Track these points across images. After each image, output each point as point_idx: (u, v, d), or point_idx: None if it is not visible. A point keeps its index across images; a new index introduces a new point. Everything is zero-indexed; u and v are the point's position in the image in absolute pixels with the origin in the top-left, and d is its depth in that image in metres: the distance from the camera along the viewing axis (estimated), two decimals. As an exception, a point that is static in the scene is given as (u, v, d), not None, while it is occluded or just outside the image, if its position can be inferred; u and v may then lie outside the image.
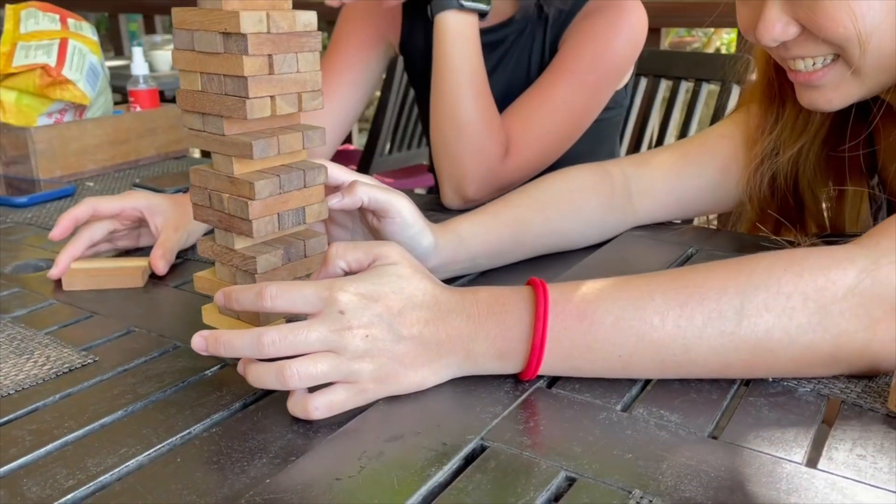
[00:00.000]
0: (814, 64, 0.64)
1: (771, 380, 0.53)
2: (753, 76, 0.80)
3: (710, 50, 4.72)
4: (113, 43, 4.56)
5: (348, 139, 3.41)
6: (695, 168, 0.81)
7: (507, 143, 0.95)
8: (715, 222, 1.02)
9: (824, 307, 0.48)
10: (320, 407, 0.48)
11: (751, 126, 0.78)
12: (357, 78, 1.08)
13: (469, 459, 0.45)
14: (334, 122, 1.09)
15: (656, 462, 0.44)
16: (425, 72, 1.14)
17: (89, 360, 0.57)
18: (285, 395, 0.50)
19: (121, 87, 1.98)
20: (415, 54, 1.13)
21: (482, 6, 0.94)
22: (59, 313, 0.67)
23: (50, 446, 0.47)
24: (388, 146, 2.50)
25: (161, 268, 0.73)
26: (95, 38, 1.17)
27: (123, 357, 0.58)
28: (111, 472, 0.44)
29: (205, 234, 0.81)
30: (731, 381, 0.52)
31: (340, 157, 2.92)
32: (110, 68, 2.73)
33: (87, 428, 0.49)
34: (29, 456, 0.45)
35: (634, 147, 1.50)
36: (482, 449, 0.46)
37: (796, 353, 0.49)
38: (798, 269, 0.49)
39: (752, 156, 0.78)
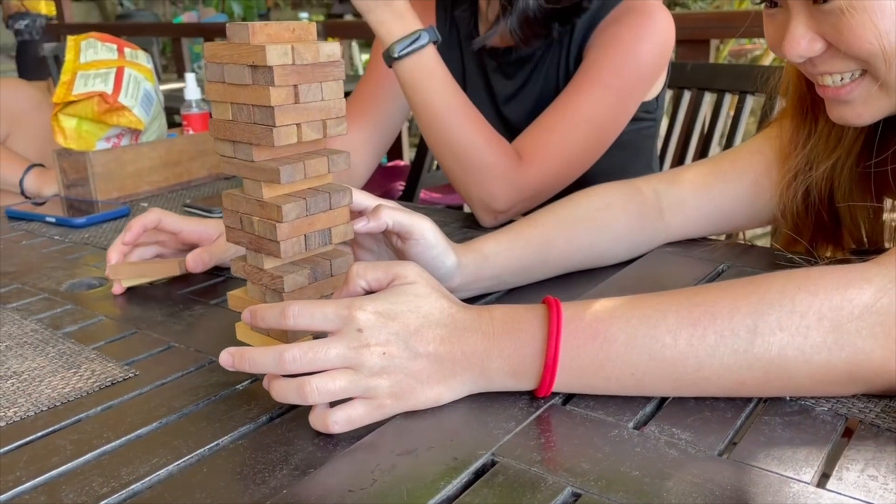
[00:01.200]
0: (841, 79, 0.64)
1: (788, 398, 0.53)
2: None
3: (769, 59, 4.63)
4: (176, 65, 4.74)
5: (399, 155, 3.46)
6: (727, 184, 0.81)
7: (525, 151, 0.95)
8: (752, 235, 1.01)
9: (840, 325, 0.48)
10: (339, 421, 0.50)
11: (783, 141, 0.78)
12: (390, 94, 1.10)
13: (479, 474, 0.46)
14: (371, 138, 1.11)
15: (662, 480, 0.44)
16: (463, 80, 1.16)
17: (130, 375, 0.61)
18: (309, 409, 0.52)
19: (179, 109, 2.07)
20: (450, 65, 1.14)
21: (423, 42, 0.91)
22: (107, 329, 0.71)
23: (88, 455, 0.50)
24: (435, 162, 2.53)
25: (192, 263, 0.77)
26: (150, 65, 1.23)
27: (162, 371, 0.62)
28: (142, 481, 0.47)
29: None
30: (748, 400, 0.53)
31: (391, 173, 2.97)
32: (173, 90, 2.84)
33: (123, 439, 0.52)
34: (69, 464, 0.49)
35: (678, 161, 1.49)
36: (492, 464, 0.47)
37: (812, 371, 0.49)
38: (813, 287, 0.49)
39: (784, 171, 0.77)
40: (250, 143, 0.57)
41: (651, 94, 1.11)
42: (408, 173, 2.62)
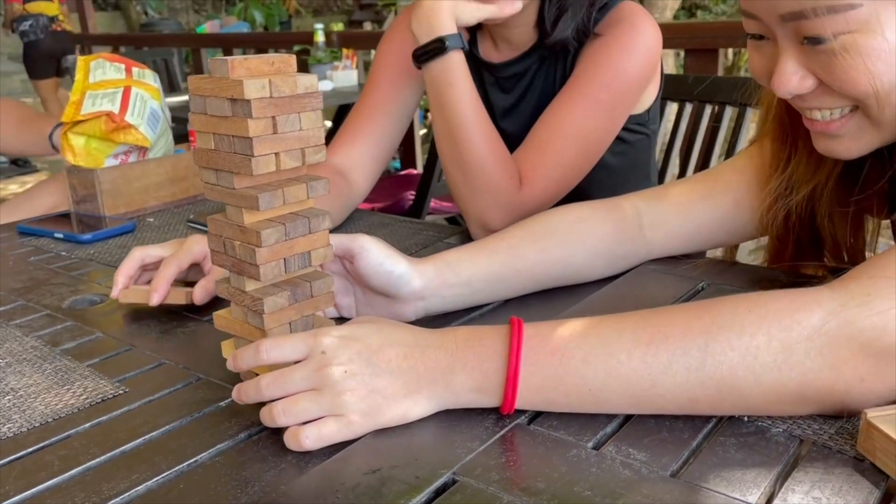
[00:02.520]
0: (831, 114, 0.63)
1: (746, 419, 0.54)
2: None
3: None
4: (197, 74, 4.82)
5: (412, 163, 3.49)
6: (708, 203, 0.82)
7: (523, 173, 0.98)
8: (744, 247, 1.02)
9: (789, 347, 0.50)
10: (311, 437, 0.53)
11: (764, 161, 0.79)
12: (390, 112, 1.13)
13: (438, 493, 0.48)
14: (372, 153, 1.13)
15: (613, 499, 0.46)
16: None
17: (120, 392, 0.64)
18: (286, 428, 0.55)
19: (185, 118, 2.12)
20: None
21: (448, 47, 0.95)
22: (103, 346, 0.74)
23: (74, 471, 0.53)
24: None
25: (199, 297, 0.80)
26: (157, 84, 1.27)
27: (151, 388, 0.64)
28: (122, 496, 0.50)
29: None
30: (706, 420, 0.54)
31: (403, 182, 3.00)
32: (186, 101, 2.88)
33: (108, 455, 0.55)
34: (55, 479, 0.52)
35: (681, 173, 1.50)
36: (452, 482, 0.49)
37: (762, 390, 0.51)
38: (763, 310, 0.51)
39: (765, 194, 0.78)
40: (231, 172, 0.59)
41: (642, 107, 1.12)
42: (418, 184, 2.65)
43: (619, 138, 1.10)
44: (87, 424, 0.59)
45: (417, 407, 0.55)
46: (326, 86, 3.20)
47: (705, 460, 0.50)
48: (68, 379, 0.66)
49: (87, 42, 5.32)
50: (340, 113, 3.37)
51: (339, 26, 4.19)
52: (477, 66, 1.13)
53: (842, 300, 0.50)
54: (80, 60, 1.24)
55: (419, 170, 3.28)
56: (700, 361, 0.51)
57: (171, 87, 3.92)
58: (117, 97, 1.19)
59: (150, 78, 1.27)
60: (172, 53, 4.28)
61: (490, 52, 1.13)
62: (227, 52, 4.35)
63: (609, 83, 1.00)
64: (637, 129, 1.13)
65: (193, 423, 0.59)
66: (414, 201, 2.61)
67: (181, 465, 0.53)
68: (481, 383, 0.54)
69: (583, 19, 1.02)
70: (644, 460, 0.50)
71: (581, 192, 1.04)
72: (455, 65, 0.97)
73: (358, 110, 1.14)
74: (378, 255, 0.69)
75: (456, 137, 0.97)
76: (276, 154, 0.59)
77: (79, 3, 5.73)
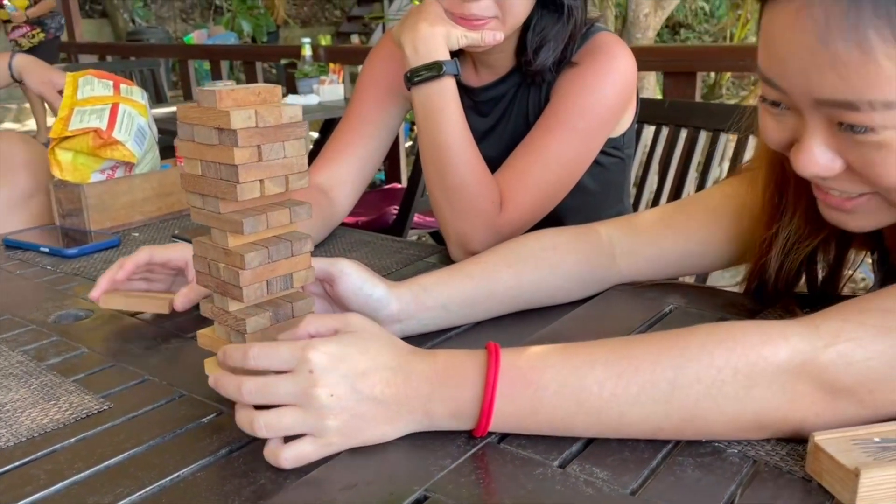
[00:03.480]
0: (850, 194, 0.60)
1: (704, 440, 0.57)
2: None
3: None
4: (183, 85, 4.83)
5: (397, 177, 3.52)
6: (678, 236, 0.85)
7: (504, 197, 1.01)
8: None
9: (753, 380, 0.53)
10: (289, 458, 0.55)
11: (746, 202, 0.78)
12: (374, 130, 1.15)
13: (410, 508, 0.51)
14: (354, 172, 1.16)
15: (574, 516, 0.49)
16: None
17: (105, 407, 0.66)
18: (265, 442, 0.57)
19: (173, 130, 2.13)
20: None
21: (442, 73, 0.99)
22: (88, 361, 0.76)
23: (59, 485, 0.55)
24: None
25: (180, 304, 0.82)
26: (145, 101, 1.29)
27: (135, 404, 0.66)
28: (106, 510, 0.52)
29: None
30: (666, 441, 0.57)
31: (386, 196, 3.03)
32: (174, 112, 2.90)
33: (93, 469, 0.57)
34: (41, 493, 0.54)
35: (655, 196, 1.54)
36: (424, 499, 0.51)
37: (725, 420, 0.54)
38: (731, 343, 0.54)
39: (759, 250, 0.76)
40: (217, 197, 0.62)
41: (618, 132, 1.16)
42: (402, 198, 2.68)
43: (595, 161, 1.13)
44: (73, 439, 0.61)
45: (395, 431, 0.57)
46: (313, 100, 3.23)
47: (663, 479, 0.53)
48: (54, 394, 0.68)
49: (74, 50, 5.32)
50: (327, 126, 3.40)
51: (326, 38, 4.22)
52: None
53: (810, 339, 0.53)
54: (69, 77, 1.26)
55: (403, 184, 3.31)
56: (668, 394, 0.53)
57: (157, 97, 3.92)
58: (105, 114, 1.21)
59: (138, 95, 1.29)
60: (159, 63, 4.29)
61: (469, 76, 1.17)
62: (215, 64, 4.37)
63: (585, 111, 1.04)
64: (612, 153, 1.17)
65: (176, 439, 0.61)
66: (397, 216, 2.64)
67: (163, 480, 0.55)
68: (457, 410, 0.57)
69: (563, 50, 1.06)
70: (606, 479, 0.53)
71: (557, 213, 1.08)
72: (447, 89, 1.00)
73: (341, 129, 1.17)
74: (357, 280, 0.72)
75: (442, 160, 1.00)
76: (261, 181, 0.61)
77: (66, 11, 5.74)
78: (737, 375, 0.53)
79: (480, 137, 1.18)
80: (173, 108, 3.24)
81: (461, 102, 1.17)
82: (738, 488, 0.52)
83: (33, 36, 5.42)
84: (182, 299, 0.82)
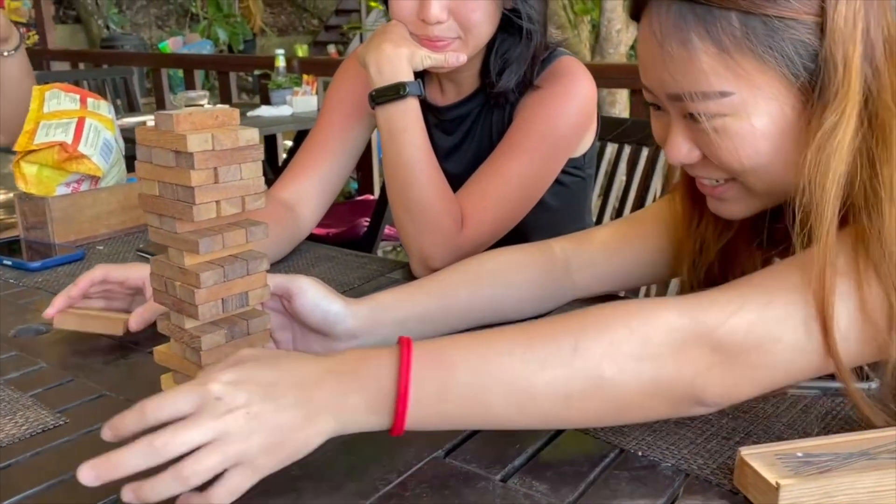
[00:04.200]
0: (717, 181, 0.69)
1: (640, 454, 0.59)
2: None
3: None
4: (156, 93, 4.81)
5: (369, 188, 3.54)
6: (630, 248, 0.88)
7: (465, 216, 1.03)
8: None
9: (647, 338, 0.56)
10: (222, 496, 0.52)
11: (676, 214, 0.83)
12: (339, 148, 1.17)
13: (355, 522, 0.53)
14: (320, 188, 1.17)
15: (511, 528, 0.51)
16: None
17: (61, 423, 0.67)
18: (215, 458, 0.59)
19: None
20: None
21: (406, 94, 1.01)
22: (47, 376, 0.76)
23: (11, 500, 0.56)
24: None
25: (134, 324, 0.81)
26: (111, 115, 1.30)
27: (90, 420, 0.67)
28: (57, 524, 0.53)
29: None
30: (604, 456, 0.59)
31: (358, 208, 3.04)
32: (146, 122, 2.89)
33: (44, 485, 0.58)
34: (-7, 508, 0.55)
35: (617, 213, 1.58)
36: (369, 512, 0.53)
37: (625, 380, 0.56)
38: (626, 308, 0.58)
39: (682, 255, 0.82)
40: (174, 217, 0.63)
41: (579, 152, 1.19)
42: (373, 209, 2.70)
43: (556, 181, 1.16)
44: (28, 454, 0.62)
45: (317, 436, 0.54)
46: (286, 111, 3.24)
47: (598, 492, 0.55)
48: (10, 409, 0.69)
49: (46, 57, 5.28)
50: (299, 137, 3.41)
51: (303, 48, 4.24)
52: (422, 107, 1.19)
53: (696, 303, 0.58)
54: (35, 90, 1.27)
55: (376, 195, 3.32)
56: (571, 355, 0.56)
57: (129, 106, 3.91)
58: (71, 127, 1.21)
59: (105, 109, 1.30)
60: (132, 72, 4.27)
61: (435, 95, 1.19)
62: (188, 73, 4.37)
63: (546, 134, 1.07)
64: (574, 173, 1.20)
65: (130, 454, 0.62)
66: (368, 228, 2.65)
67: (114, 496, 0.56)
68: (373, 404, 0.55)
69: (525, 73, 1.08)
70: (544, 492, 0.55)
71: (519, 231, 1.10)
72: (411, 110, 1.02)
73: (308, 146, 1.19)
74: (314, 296, 0.74)
75: (405, 179, 1.02)
76: (217, 202, 0.63)
77: (38, 17, 5.69)
78: (633, 336, 0.56)
79: (445, 155, 1.20)
80: (144, 118, 3.23)
81: (427, 121, 1.20)
82: (669, 500, 0.54)
83: (28, 38, 5.35)
84: (137, 319, 0.81)
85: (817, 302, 0.57)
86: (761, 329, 0.57)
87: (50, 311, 0.84)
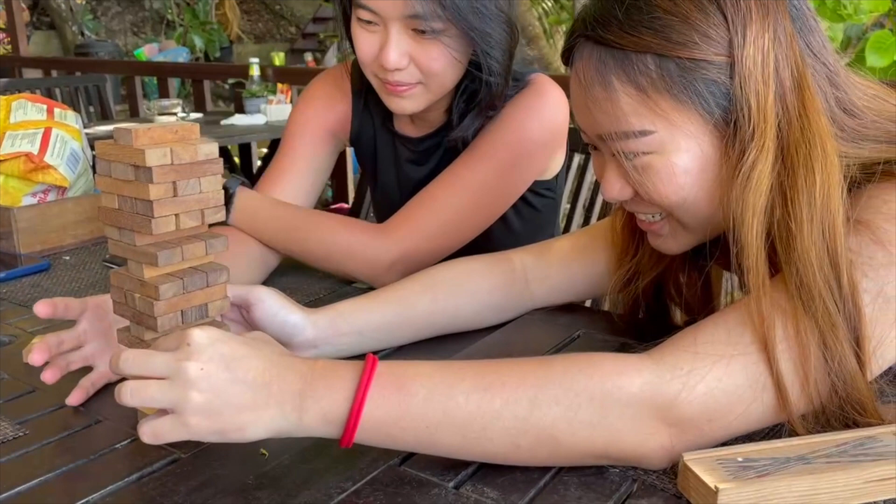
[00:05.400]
0: (653, 217, 0.72)
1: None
2: None
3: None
4: (129, 100, 4.78)
5: (344, 198, 3.54)
6: (586, 259, 0.90)
7: (391, 223, 1.03)
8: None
9: (606, 408, 0.57)
10: (146, 433, 0.55)
11: (617, 239, 0.85)
12: (305, 171, 1.16)
13: (308, 529, 0.54)
14: (297, 193, 1.17)
15: (461, 534, 0.52)
16: (374, 162, 1.24)
17: (20, 434, 0.67)
18: (176, 470, 0.60)
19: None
20: (365, 148, 1.23)
21: (231, 192, 1.04)
22: (8, 387, 0.77)
23: (-31, 511, 0.56)
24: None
25: (75, 399, 0.73)
26: (79, 126, 1.30)
27: (50, 430, 0.68)
28: (13, 535, 0.53)
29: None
30: (554, 462, 0.61)
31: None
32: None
33: (4, 495, 0.58)
34: (-51, 520, 0.55)
35: (584, 223, 1.60)
36: (322, 520, 0.55)
37: (576, 443, 0.57)
38: (590, 371, 0.58)
39: (615, 279, 0.85)
40: (133, 230, 0.64)
41: (550, 174, 1.17)
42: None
43: (528, 203, 1.16)
44: (-14, 466, 0.62)
45: (259, 425, 0.56)
46: (260, 119, 3.24)
47: (548, 498, 0.57)
48: (-30, 421, 0.69)
49: (18, 64, 5.23)
50: (274, 145, 3.41)
51: (280, 57, 4.23)
52: (393, 140, 1.19)
53: (659, 372, 0.58)
54: (2, 100, 1.26)
55: (350, 204, 3.33)
56: (527, 411, 0.57)
57: (103, 114, 3.88)
58: (37, 138, 1.21)
59: (72, 119, 1.30)
60: (106, 79, 4.25)
61: (407, 128, 1.17)
62: (163, 81, 4.35)
63: (510, 142, 1.05)
64: (545, 195, 1.19)
65: (88, 465, 0.63)
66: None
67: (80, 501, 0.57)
68: (328, 412, 0.57)
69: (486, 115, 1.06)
70: (495, 498, 0.57)
71: (486, 249, 1.08)
72: (245, 197, 1.05)
73: (273, 171, 1.17)
74: (273, 306, 0.75)
75: (285, 243, 1.05)
76: (176, 215, 0.64)
77: (10, 23, 5.64)
78: (592, 402, 0.57)
79: (417, 185, 1.17)
80: (117, 126, 3.21)
81: (399, 154, 1.19)
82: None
83: (8, 43, 5.27)
84: (78, 392, 0.73)
85: (768, 361, 0.57)
86: (716, 402, 0.57)
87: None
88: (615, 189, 0.70)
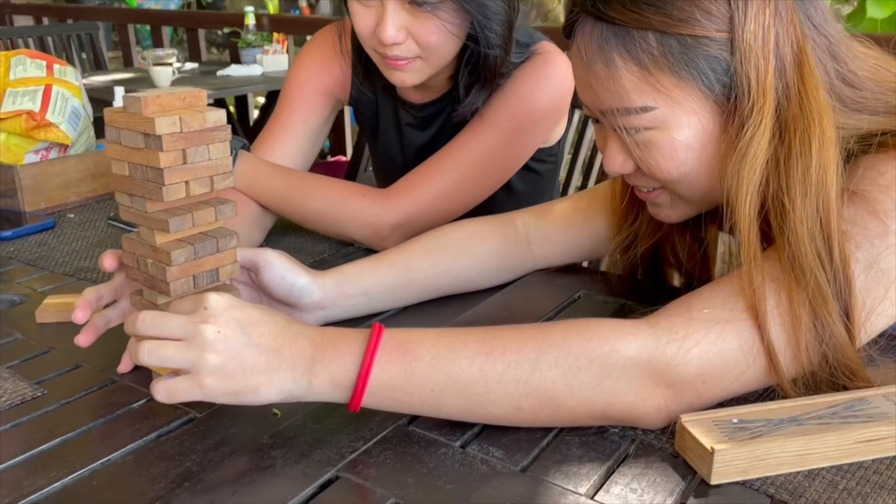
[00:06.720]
0: (651, 188, 0.73)
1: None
2: None
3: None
4: (123, 49, 4.71)
5: (342, 150, 3.53)
6: (587, 220, 0.91)
7: (394, 189, 1.03)
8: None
9: (605, 370, 0.59)
10: (160, 391, 0.57)
11: (616, 208, 0.86)
12: (304, 133, 1.17)
13: (323, 487, 0.56)
14: (298, 150, 1.16)
15: (468, 493, 0.55)
16: (375, 125, 1.24)
17: (39, 393, 0.69)
18: (192, 429, 0.62)
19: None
20: (365, 111, 1.22)
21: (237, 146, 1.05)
22: (23, 348, 0.79)
23: (-5, 469, 0.59)
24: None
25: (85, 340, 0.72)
26: (79, 82, 1.29)
27: (68, 390, 0.70)
28: (40, 492, 0.56)
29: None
30: (557, 422, 0.63)
31: (330, 170, 3.04)
32: (114, 81, 2.85)
33: (28, 454, 0.60)
34: (-23, 478, 0.57)
35: (583, 185, 1.61)
36: (336, 478, 0.57)
37: (575, 404, 0.59)
38: (588, 335, 0.60)
39: (614, 244, 0.86)
40: (144, 197, 0.65)
41: (553, 140, 1.19)
42: (345, 171, 2.71)
43: (530, 169, 1.17)
44: (8, 425, 0.64)
45: (271, 388, 0.58)
46: (256, 70, 3.20)
47: (550, 457, 0.59)
48: (-11, 381, 0.71)
49: (8, 11, 5.13)
50: (271, 95, 3.38)
51: (273, 3, 4.17)
52: (395, 105, 1.19)
53: (655, 335, 0.60)
54: (1, 56, 1.26)
55: (348, 157, 3.32)
56: (528, 374, 0.59)
57: (96, 63, 3.83)
58: (38, 95, 1.21)
59: (72, 76, 1.29)
60: (98, 27, 4.17)
61: (411, 94, 1.16)
62: (156, 29, 4.28)
63: (515, 113, 1.05)
64: (547, 160, 1.20)
65: (107, 425, 0.65)
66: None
67: (94, 464, 0.59)
68: (336, 377, 0.59)
69: (490, 91, 1.06)
70: (500, 457, 0.59)
71: (488, 212, 1.09)
72: (247, 159, 1.06)
73: (269, 135, 1.17)
74: (281, 269, 0.76)
75: (287, 206, 1.06)
76: (186, 182, 0.65)
77: (-2, -32, 5.50)
78: (591, 365, 0.59)
79: (417, 151, 1.20)
80: (112, 77, 3.18)
81: (401, 119, 1.19)
82: (615, 463, 0.59)
83: None
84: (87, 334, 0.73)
85: (760, 328, 0.59)
86: (710, 365, 0.59)
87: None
88: (617, 163, 0.71)
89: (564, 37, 0.71)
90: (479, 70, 1.03)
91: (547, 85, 1.07)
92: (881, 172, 0.63)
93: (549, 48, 1.09)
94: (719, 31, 0.62)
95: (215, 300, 0.59)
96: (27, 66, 1.25)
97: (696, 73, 0.63)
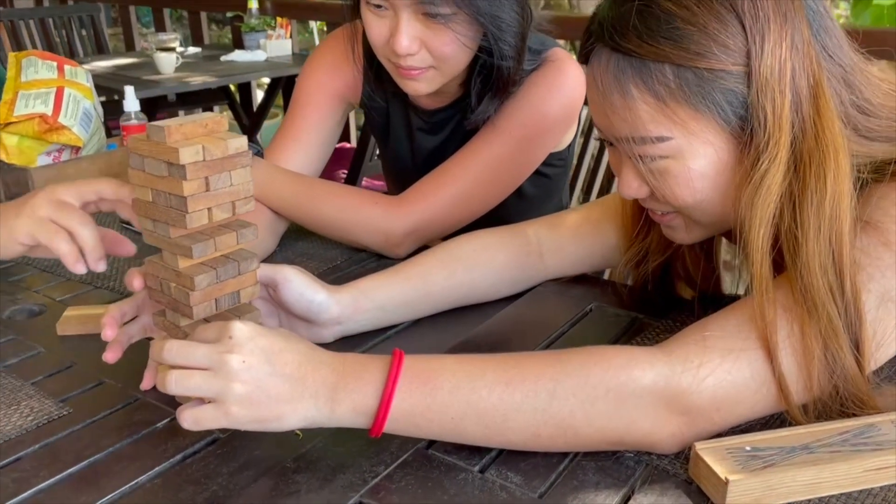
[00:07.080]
0: (663, 212, 0.74)
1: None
2: None
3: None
4: (124, 33, 4.68)
5: (346, 137, 3.52)
6: (599, 231, 0.92)
7: (406, 196, 1.04)
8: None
9: (621, 399, 0.60)
10: (187, 419, 0.59)
11: (627, 224, 0.87)
12: (315, 138, 1.17)
13: (347, 513, 0.58)
14: (308, 157, 1.16)
15: (488, 520, 0.57)
16: (386, 129, 1.24)
17: (65, 412, 0.71)
18: (216, 451, 0.63)
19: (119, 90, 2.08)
20: (376, 116, 1.22)
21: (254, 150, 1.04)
22: (45, 362, 0.80)
23: (27, 493, 0.60)
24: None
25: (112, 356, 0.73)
26: (89, 84, 1.29)
27: (93, 409, 0.71)
28: (72, 518, 0.57)
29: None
30: (573, 446, 0.65)
31: (335, 157, 3.03)
32: (118, 67, 2.82)
33: (57, 477, 0.62)
34: (10, 502, 0.59)
35: (587, 189, 1.61)
36: (359, 504, 0.59)
37: (592, 433, 0.61)
38: (605, 364, 0.61)
39: (625, 259, 0.88)
40: (167, 223, 0.66)
41: (563, 145, 1.19)
42: (351, 158, 2.70)
43: (540, 173, 1.17)
44: (36, 446, 0.66)
45: (295, 415, 0.59)
46: (259, 55, 3.19)
47: (567, 483, 0.61)
48: (15, 399, 0.73)
49: (7, -8, 5.08)
50: (273, 86, 3.36)
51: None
52: (406, 110, 1.19)
53: (671, 364, 0.61)
54: (12, 57, 1.26)
55: (353, 143, 3.32)
56: (546, 403, 0.60)
57: (98, 48, 3.81)
58: (50, 98, 1.21)
59: (83, 77, 1.29)
60: (99, 9, 4.14)
61: (423, 99, 1.16)
62: (158, 12, 4.25)
63: (526, 121, 1.06)
64: (557, 164, 1.21)
65: (132, 446, 0.66)
66: (346, 178, 2.67)
67: (124, 488, 0.61)
68: (358, 405, 0.61)
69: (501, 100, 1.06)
70: (518, 483, 0.61)
71: (499, 217, 1.08)
72: (259, 165, 1.06)
73: (281, 141, 1.17)
74: (299, 286, 0.77)
75: (299, 212, 1.06)
76: (209, 209, 0.66)
77: (-3, -53, 5.45)
78: (608, 394, 0.60)
79: (428, 155, 1.20)
80: (115, 62, 3.17)
81: (411, 122, 1.18)
82: (630, 489, 0.60)
83: None
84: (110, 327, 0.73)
85: (771, 358, 0.61)
86: (724, 393, 0.61)
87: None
88: (632, 188, 0.71)
89: (580, 62, 0.72)
90: (492, 79, 1.04)
91: (559, 93, 1.07)
92: (895, 202, 0.63)
93: (561, 55, 1.09)
94: (736, 65, 0.62)
95: (240, 329, 0.60)
96: (38, 67, 1.25)
97: (712, 105, 0.63)
